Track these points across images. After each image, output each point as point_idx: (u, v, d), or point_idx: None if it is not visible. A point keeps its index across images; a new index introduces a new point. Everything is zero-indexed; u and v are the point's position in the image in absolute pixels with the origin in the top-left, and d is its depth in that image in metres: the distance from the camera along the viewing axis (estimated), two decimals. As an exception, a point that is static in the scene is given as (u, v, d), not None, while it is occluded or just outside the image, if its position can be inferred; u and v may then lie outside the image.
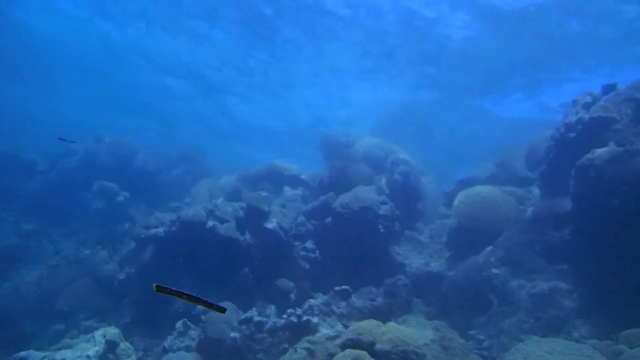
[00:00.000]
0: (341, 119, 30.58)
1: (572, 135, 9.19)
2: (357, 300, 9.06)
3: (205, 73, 26.82)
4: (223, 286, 10.86)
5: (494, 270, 10.14)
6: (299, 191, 14.62)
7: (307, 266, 11.83)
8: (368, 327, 7.02)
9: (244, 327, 8.83)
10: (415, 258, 12.97)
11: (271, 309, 10.74)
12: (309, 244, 12.13)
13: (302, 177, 14.87)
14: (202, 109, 32.35)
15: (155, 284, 2.15)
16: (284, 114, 31.56)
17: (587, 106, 8.96)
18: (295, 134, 33.64)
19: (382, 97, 26.93)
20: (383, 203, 12.29)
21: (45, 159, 19.45)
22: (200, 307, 10.29)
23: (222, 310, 2.58)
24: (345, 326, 8.50)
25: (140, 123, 37.22)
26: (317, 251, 12.05)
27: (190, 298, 2.26)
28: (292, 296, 11.14)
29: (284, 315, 8.77)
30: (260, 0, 18.60)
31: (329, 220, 12.24)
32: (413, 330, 7.94)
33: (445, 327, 8.94)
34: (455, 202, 12.25)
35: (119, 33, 23.83)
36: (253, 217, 11.25)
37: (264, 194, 11.51)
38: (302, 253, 11.97)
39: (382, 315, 9.00)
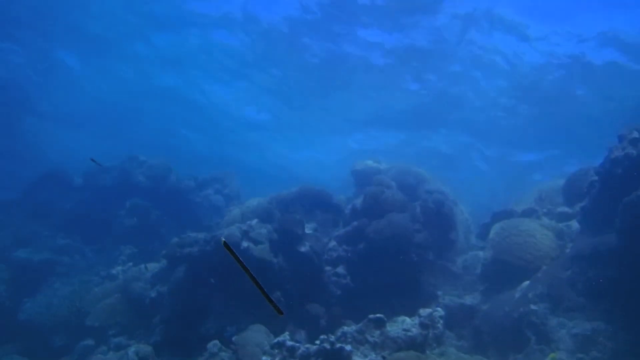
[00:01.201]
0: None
1: (619, 171, 8.97)
2: (391, 330, 8.86)
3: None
4: (254, 308, 10.79)
5: (532, 307, 9.81)
6: (330, 215, 14.58)
7: (338, 292, 11.70)
8: (408, 359, 6.83)
9: (276, 351, 8.71)
10: (448, 289, 12.71)
11: (301, 334, 10.61)
12: (340, 270, 12.03)
13: (334, 201, 14.85)
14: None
15: (223, 240, 2.09)
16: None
17: (634, 142, 8.76)
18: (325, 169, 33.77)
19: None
20: (417, 231, 12.15)
21: (81, 175, 19.98)
22: (231, 329, 10.24)
23: (279, 311, 2.47)
24: (383, 357, 8.29)
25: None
26: (348, 277, 11.93)
27: (253, 278, 2.16)
28: (323, 322, 11.00)
29: (317, 342, 8.62)
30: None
31: (361, 246, 12.14)
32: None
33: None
34: (491, 234, 12.01)
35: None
36: (286, 240, 11.24)
37: (297, 216, 11.51)
38: (334, 278, 11.86)
39: (417, 346, 8.76)
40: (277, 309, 2.46)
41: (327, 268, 11.95)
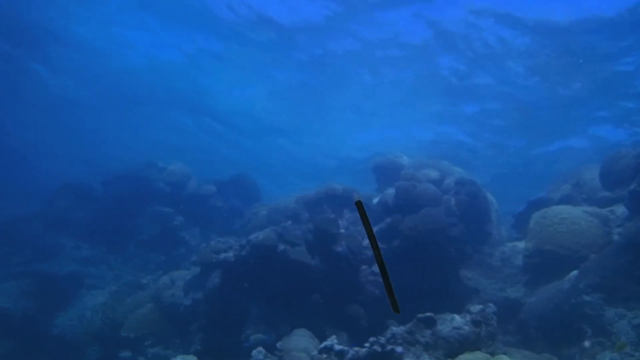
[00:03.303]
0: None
1: (673, 150, 8.55)
2: (443, 329, 8.51)
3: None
4: (292, 312, 10.51)
5: (585, 297, 9.42)
6: (358, 213, 14.25)
7: (377, 291, 11.37)
8: (477, 360, 6.48)
9: (324, 355, 8.39)
10: (488, 283, 12.34)
11: (342, 336, 10.31)
12: (376, 268, 11.69)
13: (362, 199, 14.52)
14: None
15: (357, 199, 1.79)
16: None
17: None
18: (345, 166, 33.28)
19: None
20: (453, 225, 11.79)
21: (99, 185, 19.79)
22: (271, 334, 9.94)
23: (397, 308, 2.13)
24: (436, 358, 7.96)
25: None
26: (385, 276, 11.59)
27: (379, 256, 1.86)
28: (364, 323, 10.69)
29: (366, 344, 8.29)
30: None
31: (396, 242, 11.79)
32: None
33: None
34: (531, 224, 11.62)
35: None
36: (322, 241, 10.93)
37: (331, 216, 11.19)
38: (370, 278, 11.53)
39: (471, 345, 8.41)
40: (394, 305, 2.13)
41: (363, 267, 11.63)
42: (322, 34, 18.93)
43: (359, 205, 1.75)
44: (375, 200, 14.59)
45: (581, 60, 16.91)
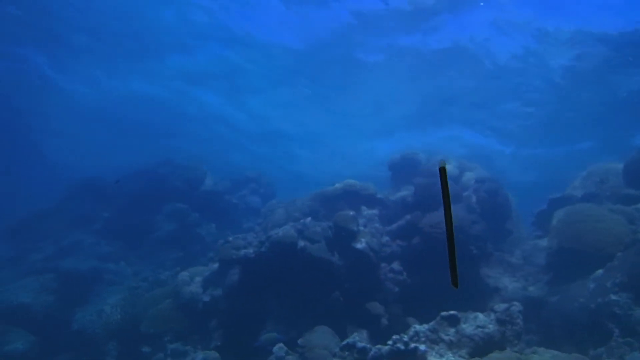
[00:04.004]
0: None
1: None
2: (467, 327, 8.39)
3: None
4: (312, 309, 10.44)
5: (613, 297, 9.21)
6: (375, 211, 14.15)
7: (396, 289, 11.27)
8: None
9: (347, 353, 8.33)
10: (509, 281, 12.16)
11: (362, 334, 10.22)
12: (396, 266, 11.59)
13: (379, 196, 14.41)
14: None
15: (441, 165, 1.77)
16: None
17: None
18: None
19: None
20: (474, 222, 11.64)
21: (114, 181, 19.89)
22: (294, 333, 9.88)
23: (456, 283, 2.10)
24: (460, 357, 7.84)
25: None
26: (405, 273, 11.49)
27: (450, 231, 1.83)
28: (384, 321, 10.59)
29: (389, 342, 8.21)
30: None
31: (416, 240, 11.68)
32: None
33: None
34: (554, 222, 11.42)
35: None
36: (341, 237, 10.85)
37: (351, 213, 11.10)
38: (390, 275, 11.43)
39: (496, 344, 8.29)
40: (454, 280, 2.08)
41: (383, 264, 11.53)
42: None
43: (443, 172, 1.71)
44: (392, 198, 14.48)
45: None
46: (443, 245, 9.00)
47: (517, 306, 8.45)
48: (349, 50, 18.77)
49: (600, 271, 10.02)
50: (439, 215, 11.68)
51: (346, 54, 19.01)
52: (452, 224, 1.85)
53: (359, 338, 9.53)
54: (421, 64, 18.85)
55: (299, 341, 8.93)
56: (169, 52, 21.05)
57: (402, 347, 8.06)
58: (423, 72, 19.42)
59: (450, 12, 15.65)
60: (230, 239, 12.01)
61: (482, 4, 14.72)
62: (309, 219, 11.05)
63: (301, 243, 10.21)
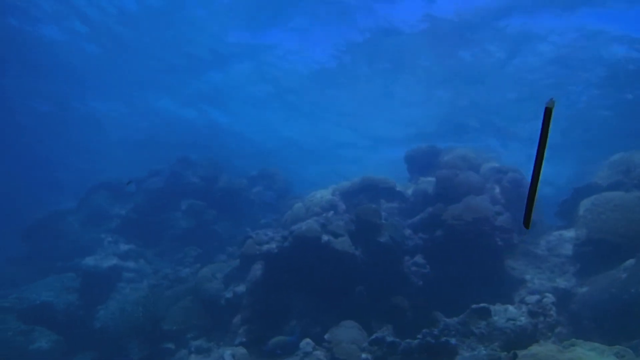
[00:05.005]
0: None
1: None
2: (497, 320, 8.21)
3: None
4: (336, 304, 10.32)
5: (646, 286, 8.97)
6: (395, 204, 13.99)
7: (420, 282, 11.10)
8: (548, 354, 6.18)
9: (376, 347, 8.20)
10: (534, 273, 11.93)
11: (388, 328, 10.08)
12: (419, 259, 11.42)
13: (398, 189, 14.24)
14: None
15: (549, 106, 1.64)
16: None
17: None
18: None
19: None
20: (499, 214, 11.42)
21: (126, 182, 19.90)
22: (319, 328, 9.78)
23: (528, 225, 2.14)
24: (492, 350, 7.67)
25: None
26: (428, 266, 11.32)
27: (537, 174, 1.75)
28: (409, 314, 10.44)
29: (419, 336, 8.07)
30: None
31: (438, 232, 11.50)
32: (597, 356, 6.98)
33: (631, 353, 7.88)
34: (581, 212, 11.17)
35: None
36: (365, 231, 10.71)
37: (373, 206, 10.95)
38: (413, 268, 11.26)
39: (528, 337, 8.11)
40: (527, 221, 2.08)
41: (406, 258, 11.37)
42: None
43: (548, 113, 1.57)
44: (411, 191, 14.29)
45: None
46: (467, 237, 8.78)
47: (549, 298, 8.27)
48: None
49: (631, 261, 9.77)
50: (463, 206, 11.48)
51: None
52: (542, 161, 1.72)
53: (385, 331, 9.42)
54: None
55: (326, 336, 8.82)
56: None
57: (433, 341, 7.91)
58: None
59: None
60: (253, 234, 11.92)
61: None
62: (332, 212, 10.93)
63: (325, 237, 10.08)
